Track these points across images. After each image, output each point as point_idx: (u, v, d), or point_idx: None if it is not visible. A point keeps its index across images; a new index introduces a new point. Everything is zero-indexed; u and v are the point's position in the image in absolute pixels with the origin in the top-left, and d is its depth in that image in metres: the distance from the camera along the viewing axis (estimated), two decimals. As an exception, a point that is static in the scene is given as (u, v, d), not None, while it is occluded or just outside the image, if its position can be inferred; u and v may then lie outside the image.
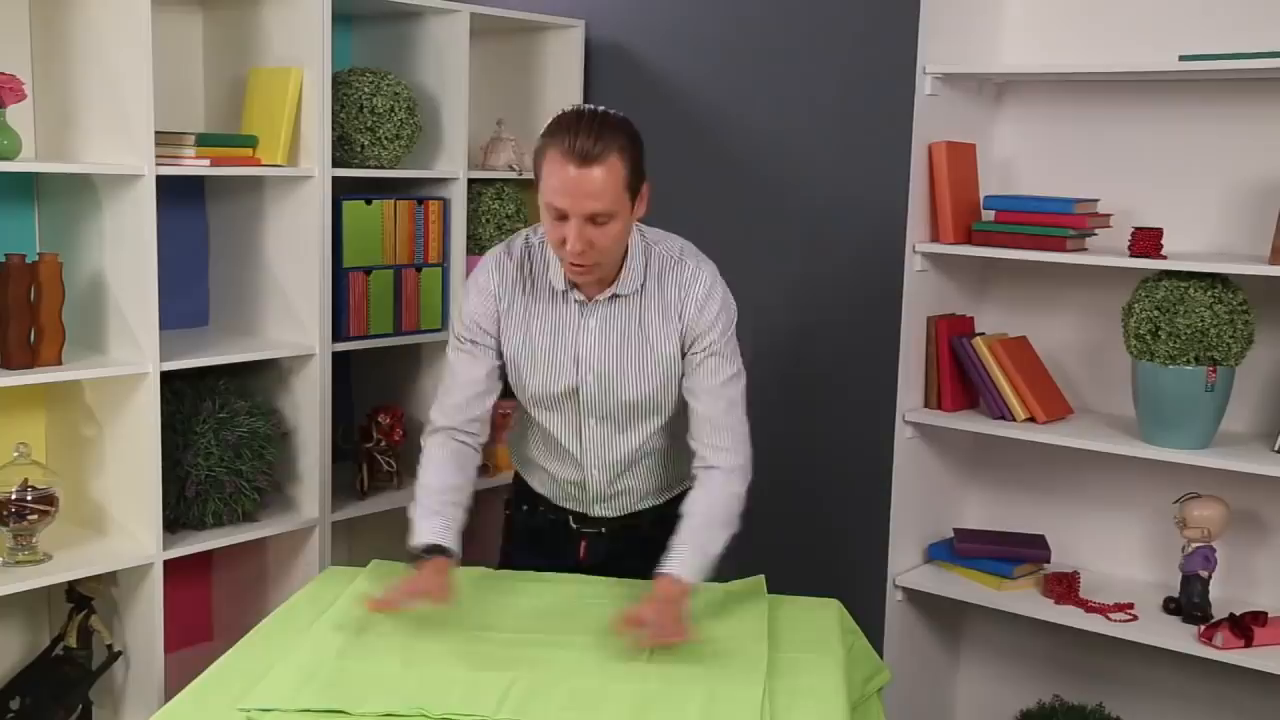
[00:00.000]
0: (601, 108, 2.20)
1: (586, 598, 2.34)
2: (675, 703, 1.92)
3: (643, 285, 2.30)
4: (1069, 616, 2.77)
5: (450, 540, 2.24)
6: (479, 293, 2.34)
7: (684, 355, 2.33)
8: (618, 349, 2.31)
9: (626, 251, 2.28)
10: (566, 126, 2.12)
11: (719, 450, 2.29)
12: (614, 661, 2.06)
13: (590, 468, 2.41)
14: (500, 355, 2.36)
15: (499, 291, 2.33)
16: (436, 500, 2.29)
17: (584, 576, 2.43)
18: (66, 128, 2.75)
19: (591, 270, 2.22)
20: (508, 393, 2.49)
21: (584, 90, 3.61)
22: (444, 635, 2.14)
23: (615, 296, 2.29)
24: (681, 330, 2.31)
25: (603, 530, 2.50)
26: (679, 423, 2.39)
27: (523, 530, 2.60)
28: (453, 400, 2.36)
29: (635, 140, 2.19)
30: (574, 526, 2.51)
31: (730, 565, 2.50)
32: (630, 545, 2.48)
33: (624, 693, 1.95)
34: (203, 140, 2.78)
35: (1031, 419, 2.84)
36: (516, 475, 2.61)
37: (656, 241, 2.34)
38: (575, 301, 2.31)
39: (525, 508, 2.58)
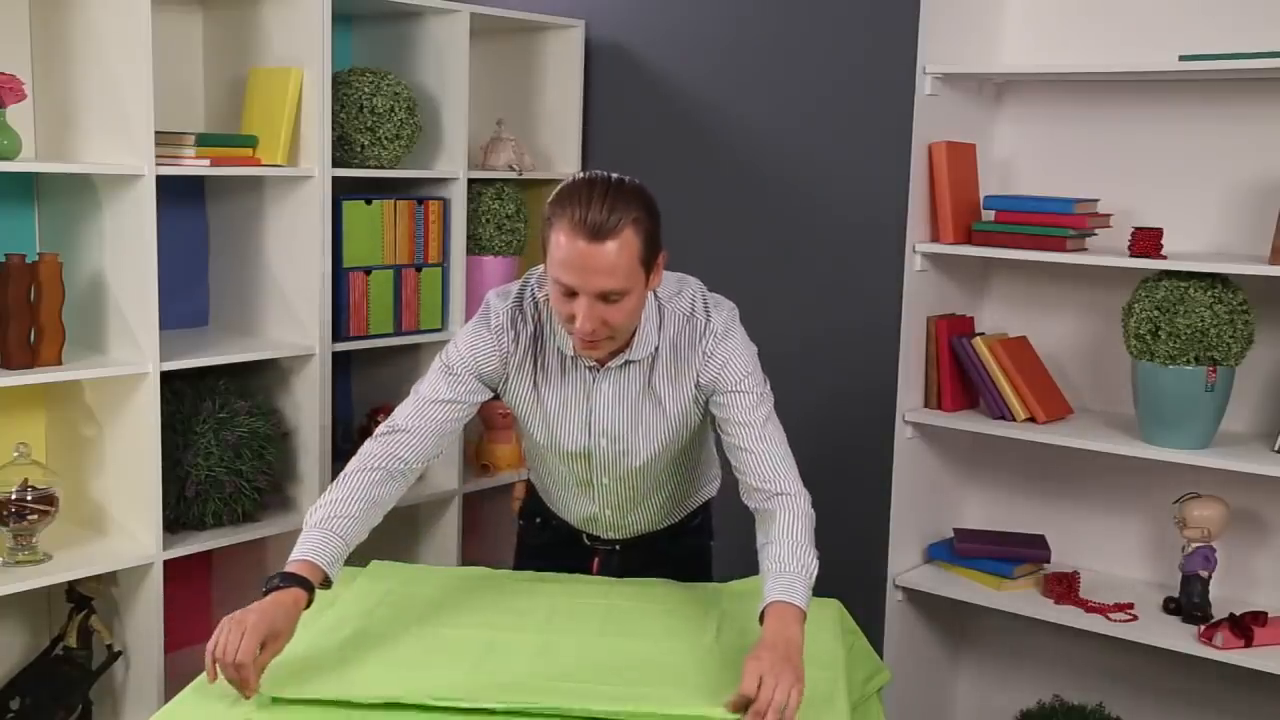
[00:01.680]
0: (615, 175, 2.04)
1: (590, 596, 2.34)
2: (682, 705, 1.92)
3: (656, 349, 2.17)
4: (1069, 616, 2.76)
5: (328, 561, 2.01)
6: (489, 347, 2.18)
7: (706, 403, 2.20)
8: (630, 414, 2.21)
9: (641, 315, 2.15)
10: (577, 197, 1.96)
11: (773, 480, 2.15)
12: (619, 659, 2.06)
13: (603, 507, 2.38)
14: (485, 394, 2.22)
15: (510, 350, 2.18)
16: (337, 523, 2.05)
17: (586, 577, 2.44)
18: (66, 128, 2.75)
19: (602, 345, 2.08)
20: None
21: (584, 90, 3.61)
22: (445, 634, 2.14)
23: (628, 363, 2.17)
24: (694, 385, 2.19)
25: (616, 547, 2.49)
26: (688, 453, 2.33)
27: (535, 543, 2.58)
28: (420, 412, 2.17)
29: (651, 210, 2.04)
30: (587, 543, 2.49)
31: (730, 566, 2.50)
32: (644, 560, 2.46)
33: (630, 695, 1.94)
34: (203, 140, 2.78)
35: (1031, 419, 2.84)
36: (531, 489, 2.57)
37: (668, 300, 2.19)
38: (586, 368, 2.19)
39: (539, 520, 2.55)
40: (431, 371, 2.21)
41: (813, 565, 2.05)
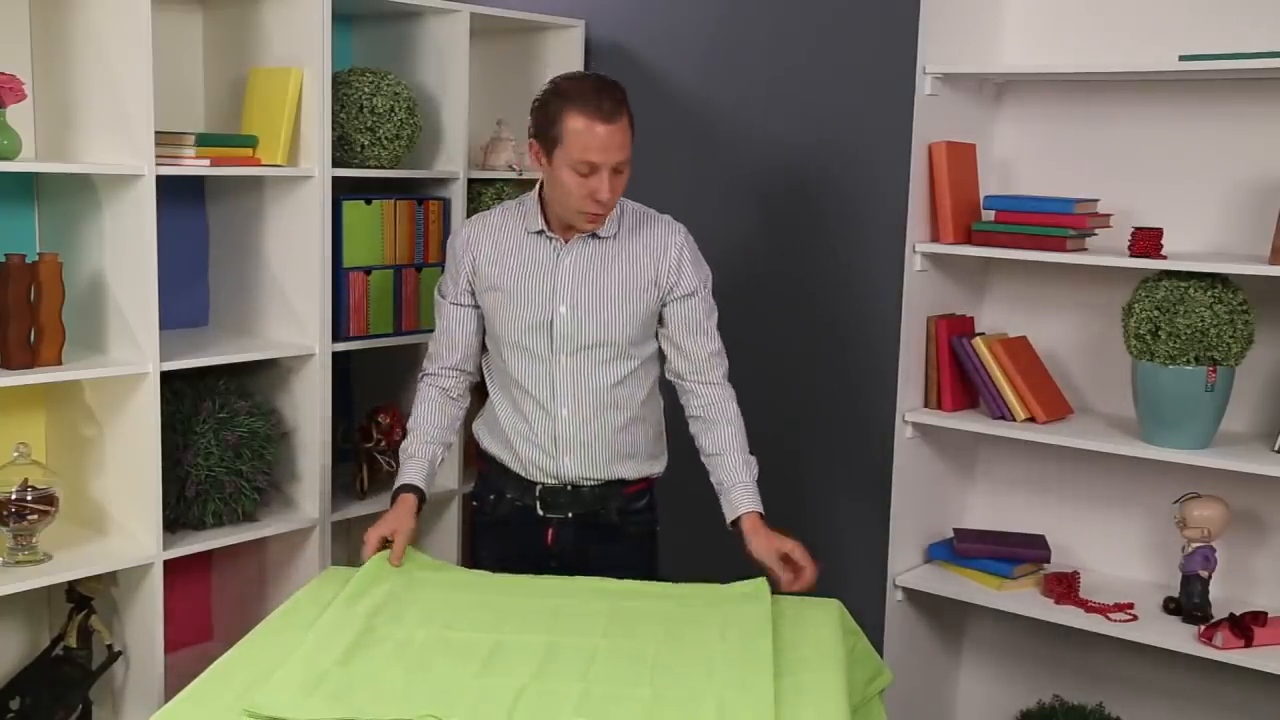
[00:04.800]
0: (598, 74, 2.49)
1: (591, 596, 2.34)
2: (687, 707, 1.92)
3: (617, 232, 2.52)
4: (1069, 616, 2.77)
5: (421, 479, 2.58)
6: (453, 251, 2.61)
7: (663, 300, 2.54)
8: (592, 283, 2.50)
9: None
10: (589, 93, 2.38)
11: (714, 384, 2.58)
12: (623, 663, 2.06)
13: (561, 404, 2.51)
14: (477, 305, 2.61)
15: (469, 241, 2.58)
16: (418, 443, 2.62)
17: (583, 579, 2.44)
18: (66, 128, 2.75)
19: (606, 215, 2.47)
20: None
21: (584, 90, 3.60)
22: (450, 637, 2.14)
23: (594, 236, 2.51)
24: (660, 273, 2.52)
25: (569, 515, 2.58)
26: (641, 370, 2.57)
27: (488, 521, 2.67)
28: (442, 345, 2.65)
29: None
30: (540, 513, 2.58)
31: (731, 565, 2.50)
32: (597, 533, 2.59)
33: (635, 696, 1.94)
34: (203, 140, 2.78)
35: (1031, 419, 2.84)
36: (479, 469, 2.71)
37: (624, 199, 2.57)
38: (548, 238, 2.52)
39: (492, 497, 2.65)
40: (435, 313, 2.67)
41: (756, 470, 2.56)
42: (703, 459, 2.58)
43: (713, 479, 2.56)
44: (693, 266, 2.55)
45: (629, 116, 2.42)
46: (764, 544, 2.45)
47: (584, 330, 2.49)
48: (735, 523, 2.50)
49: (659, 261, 2.52)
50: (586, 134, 2.36)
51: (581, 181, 2.39)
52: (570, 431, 2.52)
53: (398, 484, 2.58)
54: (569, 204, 2.43)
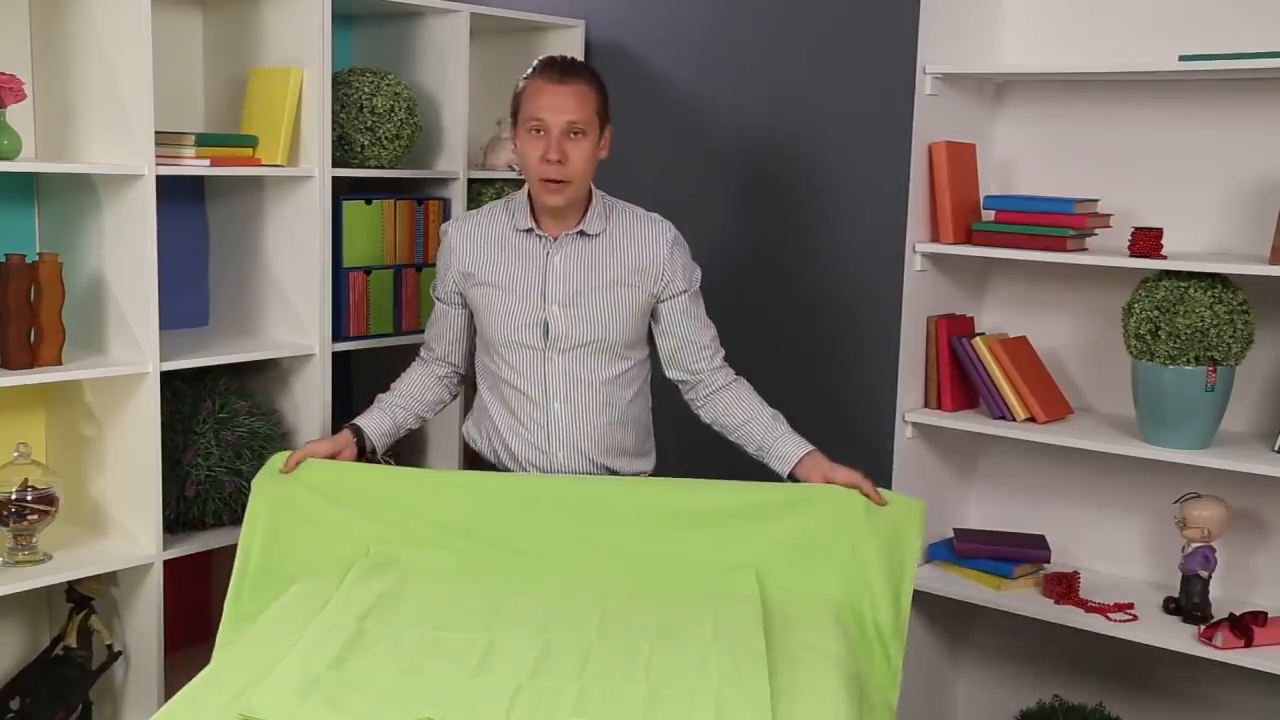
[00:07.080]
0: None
1: (583, 594, 2.33)
2: (684, 705, 1.92)
3: (605, 229, 2.53)
4: (1069, 616, 2.77)
5: (373, 431, 2.63)
6: (441, 254, 2.62)
7: (657, 297, 2.55)
8: (583, 281, 2.51)
9: (590, 197, 2.54)
10: (548, 61, 2.47)
11: (717, 368, 2.60)
12: (618, 662, 2.05)
13: (554, 399, 2.53)
14: (466, 305, 2.61)
15: (455, 245, 2.57)
16: (389, 403, 2.68)
17: (580, 579, 2.44)
18: (66, 128, 2.75)
19: (563, 189, 2.44)
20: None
21: (584, 90, 3.60)
22: (442, 637, 2.13)
23: (582, 234, 2.52)
24: (653, 271, 2.52)
25: None
26: (634, 369, 2.59)
27: None
28: (434, 334, 2.69)
29: (603, 85, 2.51)
30: None
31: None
32: None
33: (632, 695, 1.94)
34: (203, 140, 2.78)
35: (1031, 419, 2.84)
36: (471, 466, 2.75)
37: (615, 200, 2.59)
38: (538, 236, 2.52)
39: None
40: (433, 309, 2.69)
41: (783, 419, 2.59)
42: (731, 438, 2.60)
43: (751, 450, 2.58)
44: (685, 262, 2.57)
45: (594, 88, 2.45)
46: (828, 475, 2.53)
47: (578, 329, 2.51)
48: (792, 475, 2.55)
49: (651, 259, 2.52)
50: (538, 93, 2.43)
51: (534, 144, 2.42)
52: (562, 426, 2.55)
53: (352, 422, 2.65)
54: (531, 177, 2.46)
